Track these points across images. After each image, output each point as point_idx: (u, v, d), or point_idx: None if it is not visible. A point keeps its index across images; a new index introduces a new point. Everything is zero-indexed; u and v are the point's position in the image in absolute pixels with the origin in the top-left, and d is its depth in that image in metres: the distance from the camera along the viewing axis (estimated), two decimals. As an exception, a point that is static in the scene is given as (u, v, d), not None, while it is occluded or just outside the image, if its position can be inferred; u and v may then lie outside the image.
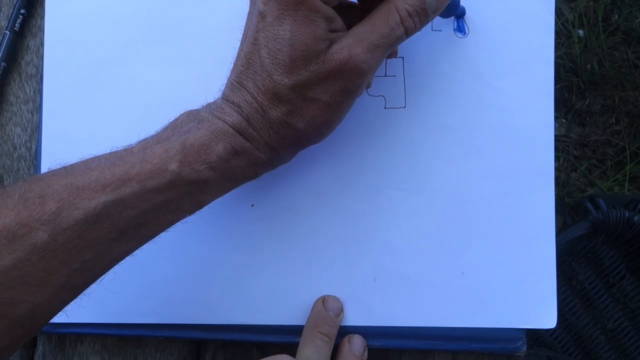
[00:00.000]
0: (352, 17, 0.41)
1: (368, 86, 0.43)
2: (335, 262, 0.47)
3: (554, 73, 0.48)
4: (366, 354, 0.47)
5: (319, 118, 0.39)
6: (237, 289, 0.47)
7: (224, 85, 0.40)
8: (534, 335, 0.84)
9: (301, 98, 0.38)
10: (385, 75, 0.48)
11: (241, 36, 0.40)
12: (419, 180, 0.48)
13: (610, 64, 1.28)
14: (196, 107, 0.41)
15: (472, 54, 0.48)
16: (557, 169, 1.25)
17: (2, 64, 0.50)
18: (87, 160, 0.38)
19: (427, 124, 0.48)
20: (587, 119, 1.29)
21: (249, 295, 0.47)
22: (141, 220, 0.37)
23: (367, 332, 0.47)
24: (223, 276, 0.47)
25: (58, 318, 0.48)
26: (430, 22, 0.48)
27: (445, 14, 0.46)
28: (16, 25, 0.50)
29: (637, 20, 1.28)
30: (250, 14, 0.40)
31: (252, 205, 0.48)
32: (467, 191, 0.47)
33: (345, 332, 0.47)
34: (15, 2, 0.51)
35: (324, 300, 0.46)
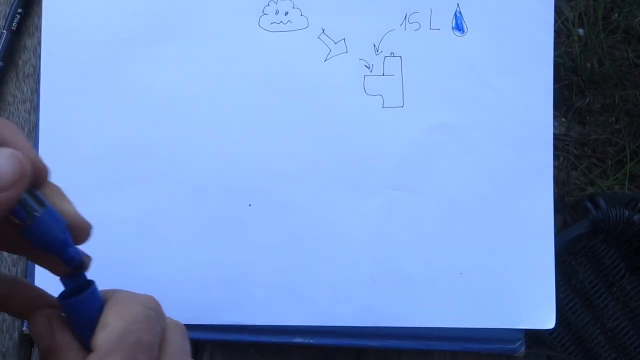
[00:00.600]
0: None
1: None
2: (334, 262, 0.47)
3: (554, 72, 0.48)
4: None
5: None
6: (235, 289, 0.47)
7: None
8: (533, 335, 0.84)
9: None
10: (384, 75, 0.48)
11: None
12: (417, 180, 0.47)
13: (610, 63, 1.28)
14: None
15: (470, 53, 0.48)
16: (557, 168, 1.25)
17: (0, 63, 0.50)
18: None
19: (425, 123, 0.48)
20: (587, 117, 1.28)
21: (247, 296, 0.47)
22: None
23: (365, 333, 0.47)
24: (220, 276, 0.47)
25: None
26: (429, 20, 0.48)
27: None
28: (13, 24, 0.50)
29: (637, 19, 1.28)
30: None
31: (250, 205, 0.47)
32: (465, 191, 0.47)
33: (341, 332, 0.47)
34: (12, 1, 0.51)
35: None
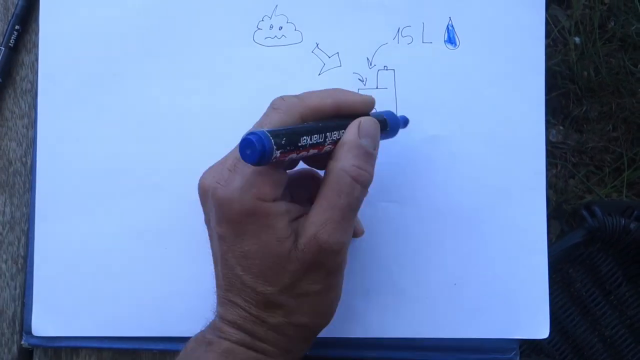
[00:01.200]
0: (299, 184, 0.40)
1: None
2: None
3: (550, 81, 0.48)
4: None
5: (319, 306, 0.39)
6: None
7: (215, 301, 0.40)
8: (531, 344, 0.84)
9: (293, 297, 0.37)
10: (377, 88, 0.49)
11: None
12: (410, 191, 0.48)
13: (606, 71, 1.28)
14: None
15: (462, 66, 0.49)
16: (555, 176, 1.25)
17: (-2, 79, 0.51)
18: None
19: (418, 136, 0.48)
20: (585, 125, 1.29)
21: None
22: None
23: (360, 344, 0.48)
24: (214, 289, 0.47)
25: (53, 331, 0.48)
26: (421, 34, 0.49)
27: (391, 134, 0.44)
28: (11, 41, 0.51)
29: (633, 28, 1.28)
30: (210, 236, 0.40)
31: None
32: (459, 202, 0.48)
33: (336, 343, 0.47)
34: (9, 18, 0.51)
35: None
